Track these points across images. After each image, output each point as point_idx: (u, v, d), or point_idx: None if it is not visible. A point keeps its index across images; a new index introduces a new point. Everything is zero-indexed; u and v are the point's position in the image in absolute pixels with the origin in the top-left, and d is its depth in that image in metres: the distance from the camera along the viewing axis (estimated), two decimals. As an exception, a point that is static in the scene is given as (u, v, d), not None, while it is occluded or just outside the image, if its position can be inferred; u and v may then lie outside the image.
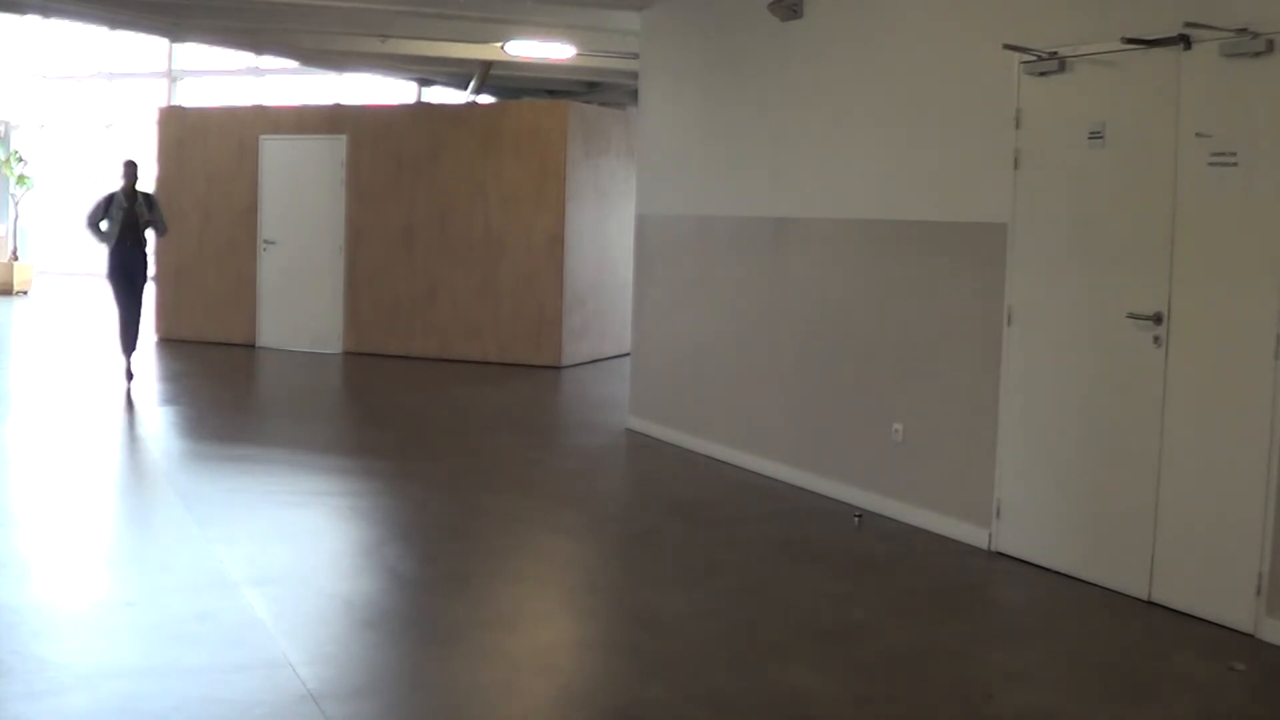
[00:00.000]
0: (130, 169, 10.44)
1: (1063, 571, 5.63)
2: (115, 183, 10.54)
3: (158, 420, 9.38)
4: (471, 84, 15.28)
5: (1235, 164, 4.83)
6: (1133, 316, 5.25)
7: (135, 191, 10.41)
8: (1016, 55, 5.77)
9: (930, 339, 6.46)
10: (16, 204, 19.87)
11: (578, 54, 12.69)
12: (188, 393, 10.75)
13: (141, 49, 21.36)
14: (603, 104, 15.17)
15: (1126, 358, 5.31)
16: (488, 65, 14.28)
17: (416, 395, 10.88)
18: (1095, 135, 5.44)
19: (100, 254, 10.78)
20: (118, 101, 23.57)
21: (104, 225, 10.43)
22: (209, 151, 13.58)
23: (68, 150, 23.92)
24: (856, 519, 6.61)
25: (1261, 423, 4.74)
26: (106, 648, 4.52)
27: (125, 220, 10.31)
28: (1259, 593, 4.78)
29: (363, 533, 6.44)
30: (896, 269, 6.69)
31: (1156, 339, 5.16)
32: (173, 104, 19.53)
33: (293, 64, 16.63)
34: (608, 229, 12.94)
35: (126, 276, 10.51)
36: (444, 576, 5.56)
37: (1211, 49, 4.88)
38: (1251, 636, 4.80)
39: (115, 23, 12.12)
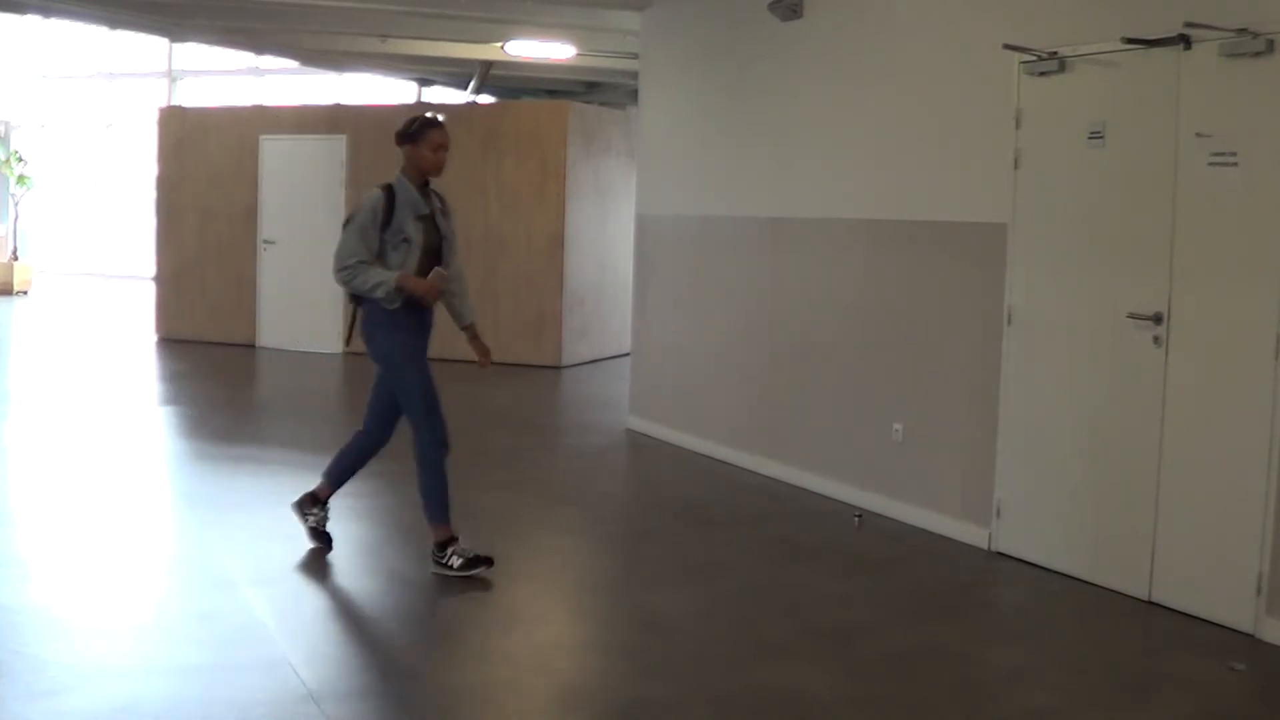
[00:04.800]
0: (428, 137, 5.42)
1: (1063, 571, 5.62)
2: (377, 174, 6.06)
3: (158, 420, 9.37)
4: (471, 84, 15.28)
5: (1235, 164, 4.83)
6: (1133, 316, 5.25)
7: (430, 190, 5.57)
8: (1016, 55, 5.77)
9: (930, 339, 6.45)
10: (16, 204, 19.87)
11: (578, 54, 12.69)
12: (188, 393, 10.74)
13: (141, 49, 21.36)
14: (603, 104, 15.17)
15: (1126, 358, 5.31)
16: (488, 65, 14.28)
17: (416, 395, 10.85)
18: (1095, 135, 5.44)
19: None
20: (118, 101, 23.59)
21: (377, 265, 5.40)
22: (209, 151, 13.58)
23: (68, 150, 23.94)
24: (856, 519, 6.61)
25: (1261, 423, 4.74)
26: (106, 648, 4.52)
27: (428, 245, 5.46)
28: (1259, 593, 4.78)
29: (363, 533, 6.43)
30: (896, 269, 6.69)
31: (1156, 339, 5.16)
32: (173, 104, 19.53)
33: (293, 64, 16.64)
34: (608, 229, 12.94)
35: (425, 346, 5.65)
36: (444, 576, 5.56)
37: (1211, 49, 4.88)
38: (1251, 636, 4.80)
39: (115, 23, 12.12)
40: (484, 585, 5.45)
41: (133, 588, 5.29)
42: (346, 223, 5.44)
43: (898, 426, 6.64)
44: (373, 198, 5.39)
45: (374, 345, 5.52)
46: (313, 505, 5.90)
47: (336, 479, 5.95)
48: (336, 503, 6.93)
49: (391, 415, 5.74)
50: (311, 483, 7.34)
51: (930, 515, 6.41)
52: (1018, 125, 5.84)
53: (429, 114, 5.52)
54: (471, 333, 5.80)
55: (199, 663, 4.38)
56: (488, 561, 5.46)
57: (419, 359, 5.53)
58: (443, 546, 5.49)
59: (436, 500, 5.54)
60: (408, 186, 5.43)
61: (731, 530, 6.54)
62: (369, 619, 4.99)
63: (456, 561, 5.43)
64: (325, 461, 7.98)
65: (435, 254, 5.48)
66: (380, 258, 5.37)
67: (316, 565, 5.74)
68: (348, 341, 5.73)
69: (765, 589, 5.52)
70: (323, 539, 5.87)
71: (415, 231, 5.39)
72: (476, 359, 5.82)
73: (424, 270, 5.41)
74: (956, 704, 4.27)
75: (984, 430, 6.05)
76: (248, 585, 5.22)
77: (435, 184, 5.54)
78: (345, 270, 5.34)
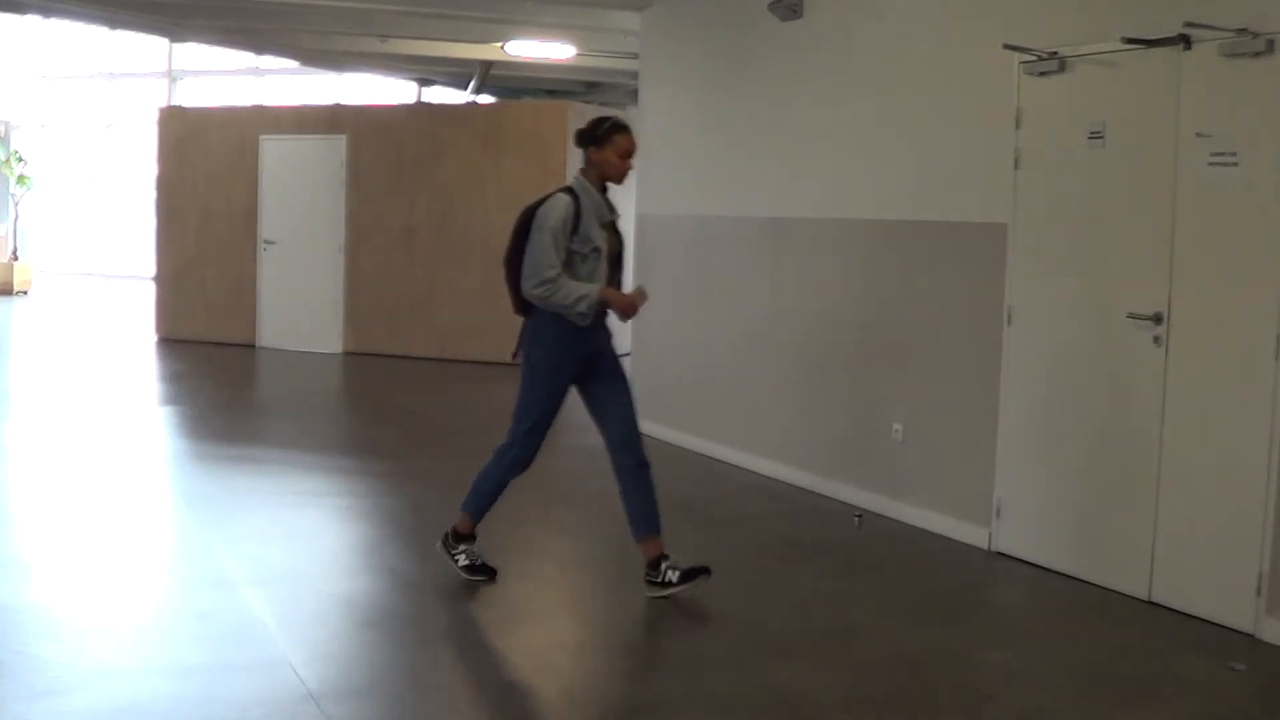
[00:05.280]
0: (616, 142, 5.13)
1: (1063, 571, 5.62)
2: (558, 178, 5.50)
3: (158, 420, 9.38)
4: (471, 84, 15.28)
5: (1235, 164, 4.83)
6: (1133, 316, 5.25)
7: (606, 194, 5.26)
8: (1016, 55, 5.76)
9: (930, 339, 6.45)
10: (16, 204, 19.87)
11: (578, 54, 12.69)
12: (188, 393, 10.74)
13: (141, 49, 21.37)
14: (603, 104, 15.17)
15: (1126, 358, 5.31)
16: (488, 65, 14.28)
17: (416, 395, 10.88)
18: (1095, 135, 5.44)
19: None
20: (118, 101, 23.59)
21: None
22: (209, 151, 13.57)
23: (68, 150, 23.94)
24: (856, 519, 6.60)
25: (1261, 423, 4.74)
26: (106, 648, 4.52)
27: (610, 253, 5.18)
28: (1259, 593, 4.77)
29: (363, 533, 6.44)
30: (896, 269, 6.69)
31: (1156, 339, 5.16)
32: (173, 104, 19.53)
33: (293, 64, 16.64)
34: (608, 229, 12.92)
35: (606, 363, 5.26)
36: (444, 576, 5.56)
37: (1211, 49, 4.88)
38: (1251, 636, 4.80)
39: (115, 23, 12.13)
40: (484, 585, 5.45)
41: (133, 588, 5.29)
42: (520, 229, 5.05)
43: (898, 426, 6.63)
44: (563, 204, 5.00)
45: (529, 352, 5.18)
46: (656, 569, 5.23)
47: (648, 527, 5.32)
48: (338, 502, 6.94)
49: (622, 424, 5.25)
50: (310, 481, 7.36)
51: (930, 515, 6.41)
52: (1018, 125, 5.83)
53: (616, 117, 5.22)
54: None
55: (199, 663, 4.38)
56: (490, 574, 5.34)
57: (561, 382, 5.17)
58: (459, 538, 5.36)
59: (482, 496, 5.32)
60: (590, 190, 5.09)
61: (732, 530, 6.53)
62: (369, 619, 4.98)
63: (463, 560, 5.35)
64: (324, 460, 8.01)
65: (616, 262, 5.19)
66: (567, 267, 5.00)
67: (316, 565, 5.74)
68: (515, 356, 5.28)
69: (765, 589, 5.51)
70: (693, 575, 5.19)
71: (597, 234, 5.06)
72: None
73: (608, 281, 5.13)
74: (956, 704, 4.26)
75: (984, 430, 6.05)
76: (248, 585, 5.22)
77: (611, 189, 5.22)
78: (546, 284, 4.93)
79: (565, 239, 4.97)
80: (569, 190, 5.07)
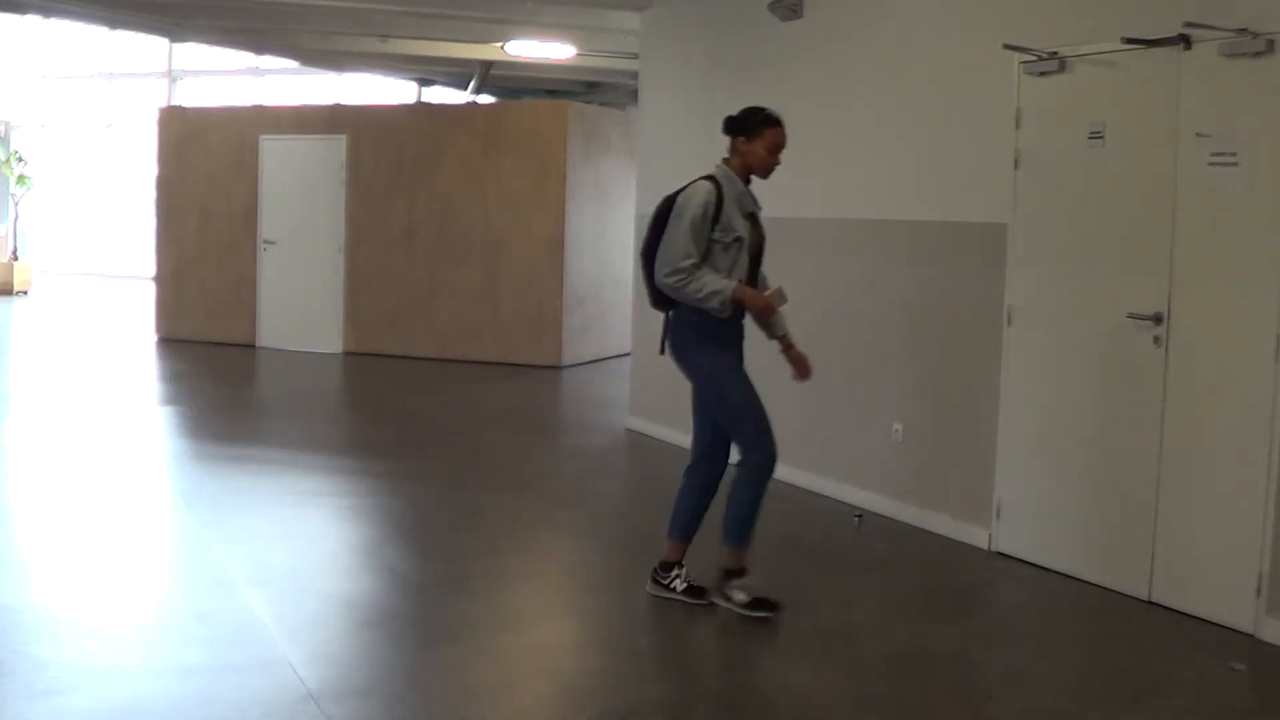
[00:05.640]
0: (766, 136, 4.98)
1: (1063, 571, 5.62)
2: (701, 169, 5.09)
3: (158, 420, 9.38)
4: (471, 84, 15.29)
5: (1235, 164, 4.83)
6: (1133, 316, 5.25)
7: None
8: (1016, 55, 5.77)
9: (930, 339, 6.45)
10: (16, 204, 19.88)
11: (578, 54, 12.69)
12: (188, 393, 10.75)
13: (141, 49, 21.38)
14: (603, 104, 15.18)
15: (1126, 358, 5.31)
16: (488, 65, 14.29)
17: (416, 395, 10.87)
18: (1095, 135, 5.44)
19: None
20: (118, 101, 23.60)
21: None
22: (209, 151, 13.58)
23: (68, 150, 23.95)
24: (856, 519, 6.60)
25: (1261, 423, 4.74)
26: (106, 648, 4.52)
27: (755, 247, 5.04)
28: (1259, 593, 4.77)
29: (363, 533, 6.44)
30: (896, 269, 6.69)
31: (1156, 339, 5.16)
32: (173, 104, 19.54)
33: (293, 64, 16.65)
34: (608, 229, 12.94)
35: (740, 357, 5.11)
36: (444, 576, 5.56)
37: (1211, 49, 4.88)
38: (1251, 636, 4.80)
39: (115, 23, 12.14)
40: (483, 586, 5.46)
41: (133, 588, 5.29)
42: (658, 218, 4.90)
43: (898, 426, 6.64)
44: (704, 191, 4.82)
45: (686, 359, 5.00)
46: (667, 572, 5.16)
47: (684, 532, 5.17)
48: (338, 502, 6.94)
49: (723, 436, 5.10)
50: (310, 481, 7.36)
51: (930, 515, 6.41)
52: (1018, 125, 5.83)
53: (770, 110, 5.01)
54: (785, 343, 5.19)
55: (199, 663, 4.38)
56: (772, 607, 4.95)
57: (736, 370, 4.95)
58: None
59: (749, 520, 5.00)
60: (734, 179, 4.92)
61: (731, 530, 6.53)
62: (369, 619, 4.98)
63: (740, 597, 4.95)
64: (324, 460, 8.01)
65: (757, 255, 5.02)
66: (706, 258, 4.81)
67: (316, 565, 5.74)
68: (662, 351, 5.11)
69: (766, 589, 5.50)
70: (698, 594, 5.09)
71: (744, 229, 4.87)
72: (793, 372, 5.20)
73: (748, 274, 4.95)
74: (956, 704, 4.26)
75: (984, 430, 6.05)
76: (248, 585, 5.22)
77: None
78: (679, 274, 4.75)
79: (707, 228, 4.78)
80: (711, 178, 4.91)
